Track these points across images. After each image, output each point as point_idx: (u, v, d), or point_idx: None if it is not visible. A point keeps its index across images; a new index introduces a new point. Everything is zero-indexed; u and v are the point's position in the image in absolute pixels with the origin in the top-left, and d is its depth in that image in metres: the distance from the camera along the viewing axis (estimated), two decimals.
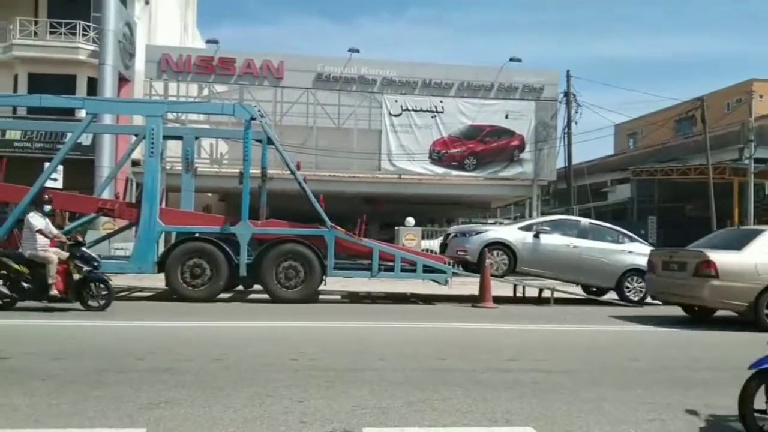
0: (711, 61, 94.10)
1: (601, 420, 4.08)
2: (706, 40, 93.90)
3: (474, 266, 12.19)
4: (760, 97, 32.58)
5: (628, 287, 12.30)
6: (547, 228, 12.35)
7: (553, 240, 12.20)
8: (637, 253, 12.32)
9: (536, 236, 12.15)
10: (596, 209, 28.13)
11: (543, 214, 26.57)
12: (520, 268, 12.27)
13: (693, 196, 27.19)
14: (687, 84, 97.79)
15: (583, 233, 12.58)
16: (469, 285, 12.91)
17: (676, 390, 4.98)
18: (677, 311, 11.47)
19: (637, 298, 12.22)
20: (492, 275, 11.70)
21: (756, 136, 23.20)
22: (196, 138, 13.42)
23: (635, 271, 12.19)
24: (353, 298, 12.35)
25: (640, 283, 12.11)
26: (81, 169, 19.46)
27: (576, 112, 23.47)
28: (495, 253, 11.98)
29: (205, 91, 23.48)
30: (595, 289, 13.38)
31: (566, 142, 23.81)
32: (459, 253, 12.31)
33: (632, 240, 13.02)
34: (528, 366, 5.89)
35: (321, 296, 11.81)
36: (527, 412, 4.22)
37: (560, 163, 24.66)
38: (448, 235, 13.50)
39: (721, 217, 23.21)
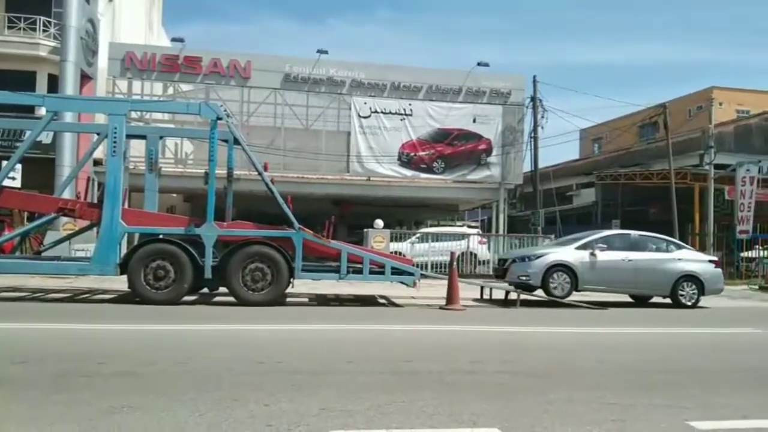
0: (674, 68, 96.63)
1: (566, 421, 4.13)
2: (670, 48, 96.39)
3: (536, 289, 12.66)
4: (720, 104, 33.60)
5: (681, 293, 12.88)
6: (603, 245, 12.76)
7: (608, 256, 12.66)
8: (686, 259, 13.13)
9: (593, 254, 12.60)
10: (561, 212, 28.58)
11: (509, 217, 26.89)
12: (581, 287, 12.60)
13: (655, 200, 27.82)
14: (651, 91, 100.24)
15: (634, 246, 13.14)
16: (437, 287, 12.98)
17: (639, 391, 5.07)
18: (644, 314, 11.73)
19: (690, 303, 12.83)
20: (555, 296, 12.21)
21: (716, 142, 23.87)
22: (161, 137, 13.14)
23: (687, 277, 12.90)
24: (321, 300, 12.29)
25: (692, 288, 12.84)
26: (41, 168, 18.97)
27: (542, 117, 23.83)
28: (556, 275, 12.39)
29: (170, 90, 23.12)
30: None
31: (532, 147, 24.15)
32: (521, 278, 12.62)
33: (679, 247, 13.75)
34: (494, 368, 5.93)
35: (288, 299, 11.71)
36: (493, 413, 4.25)
37: (527, 166, 25.02)
38: (506, 260, 13.53)
39: (682, 220, 23.79)
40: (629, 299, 13.83)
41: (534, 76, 24.04)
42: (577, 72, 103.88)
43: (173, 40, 23.56)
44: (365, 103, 23.01)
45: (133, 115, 20.08)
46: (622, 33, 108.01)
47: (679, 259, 13.06)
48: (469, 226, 31.30)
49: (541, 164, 25.02)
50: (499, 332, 8.64)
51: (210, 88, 22.37)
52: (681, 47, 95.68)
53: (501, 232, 23.44)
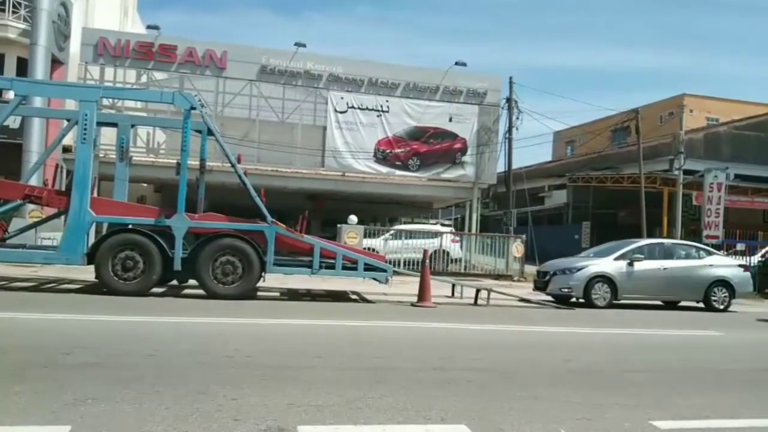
0: (647, 74, 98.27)
1: (532, 418, 4.18)
2: (643, 54, 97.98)
3: (578, 300, 13.06)
4: (691, 111, 34.27)
5: (714, 298, 13.48)
6: (639, 255, 13.29)
7: (645, 266, 13.19)
8: (717, 265, 13.85)
9: (630, 264, 13.11)
10: (533, 213, 28.87)
11: (482, 216, 27.08)
12: (621, 297, 13.03)
13: (625, 204, 28.30)
14: (624, 96, 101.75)
15: (668, 254, 13.82)
16: (409, 284, 13.02)
17: (604, 391, 5.16)
18: (612, 314, 11.93)
19: (722, 307, 13.43)
20: (596, 306, 12.55)
21: (686, 148, 24.34)
22: (132, 126, 12.95)
23: (719, 282, 13.54)
24: (292, 295, 12.23)
25: (723, 292, 13.52)
26: (8, 154, 18.54)
27: (517, 118, 23.94)
28: (597, 286, 12.85)
29: (144, 78, 22.72)
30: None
31: (507, 147, 24.30)
32: (563, 290, 13.09)
33: (710, 253, 14.35)
34: (464, 365, 5.98)
35: (259, 293, 11.63)
36: (461, 409, 4.28)
37: (500, 167, 25.19)
38: (546, 273, 13.76)
39: (651, 224, 24.23)
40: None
41: (510, 78, 24.18)
42: (552, 75, 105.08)
43: (148, 27, 23.11)
44: (342, 98, 22.91)
45: (105, 102, 19.69)
46: (597, 38, 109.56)
47: (711, 265, 13.74)
48: (443, 225, 31.44)
49: (515, 165, 25.19)
50: (470, 330, 8.71)
51: (185, 77, 22.03)
52: (654, 54, 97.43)
53: (474, 231, 23.60)
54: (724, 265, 13.94)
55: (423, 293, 11.30)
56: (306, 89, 22.82)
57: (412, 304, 11.18)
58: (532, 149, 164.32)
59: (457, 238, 21.03)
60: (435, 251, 18.78)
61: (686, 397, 5.08)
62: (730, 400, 5.11)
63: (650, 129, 30.19)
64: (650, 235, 24.02)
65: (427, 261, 11.87)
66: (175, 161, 11.75)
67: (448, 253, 19.93)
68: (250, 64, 22.28)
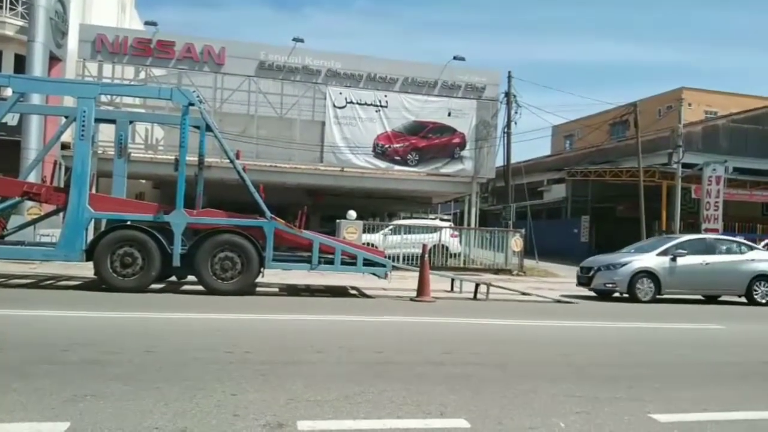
0: (646, 68, 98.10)
1: (532, 413, 4.18)
2: (642, 48, 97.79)
3: (622, 295, 13.33)
4: (689, 105, 34.23)
5: (756, 291, 13.73)
6: (682, 250, 13.59)
7: (687, 261, 13.49)
8: (759, 260, 14.03)
9: (673, 260, 13.43)
10: (532, 207, 28.89)
11: (481, 211, 27.05)
12: (664, 291, 13.27)
13: (624, 197, 28.29)
14: (622, 89, 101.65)
15: (710, 249, 14.06)
16: (408, 279, 13.03)
17: (605, 384, 5.16)
18: (612, 307, 11.95)
19: (765, 301, 13.66)
20: (640, 301, 12.86)
21: (684, 142, 24.32)
22: (131, 122, 12.94)
23: (761, 277, 13.80)
24: (292, 291, 12.23)
25: (765, 287, 13.78)
26: (6, 151, 18.50)
27: (516, 113, 23.95)
28: (641, 281, 13.18)
29: (142, 75, 22.67)
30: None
31: (506, 142, 24.29)
32: (608, 285, 13.41)
33: (751, 248, 14.54)
34: (463, 359, 5.98)
35: (258, 289, 11.63)
36: (461, 404, 4.28)
37: (499, 161, 25.19)
38: (589, 268, 14.03)
39: (649, 218, 24.24)
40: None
41: (509, 72, 24.18)
42: (551, 69, 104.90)
43: (146, 23, 23.05)
44: (341, 93, 22.87)
45: (103, 99, 19.63)
46: (596, 32, 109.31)
47: (752, 260, 13.97)
48: (442, 219, 31.45)
49: (514, 159, 25.22)
50: (469, 324, 8.71)
51: (183, 73, 21.98)
52: (653, 48, 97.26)
53: (473, 225, 23.61)
54: (766, 260, 14.08)
55: (422, 288, 11.31)
56: (304, 85, 22.78)
57: (412, 299, 11.19)
58: (531, 144, 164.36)
59: (456, 233, 21.05)
60: (434, 246, 18.79)
61: (685, 390, 5.08)
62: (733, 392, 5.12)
63: (649, 123, 30.17)
64: (649, 229, 24.06)
65: (426, 256, 11.87)
66: (173, 157, 11.74)
67: (447, 248, 19.94)
68: (248, 60, 22.25)
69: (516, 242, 19.84)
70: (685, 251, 13.56)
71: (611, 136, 38.25)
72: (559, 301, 12.33)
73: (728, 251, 14.15)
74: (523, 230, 20.81)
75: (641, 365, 6.23)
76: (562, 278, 19.32)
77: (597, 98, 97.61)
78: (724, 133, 29.73)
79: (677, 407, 4.51)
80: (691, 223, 24.37)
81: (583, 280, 14.11)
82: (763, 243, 21.25)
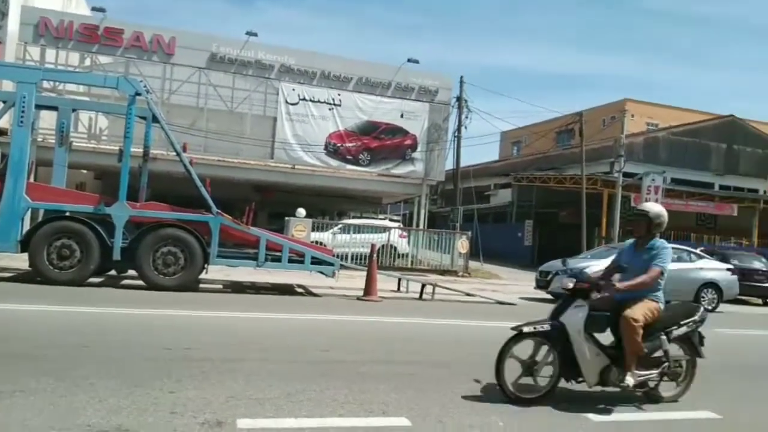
0: (593, 78, 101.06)
1: (472, 411, 4.26)
2: (590, 58, 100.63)
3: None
4: (632, 116, 35.45)
5: (703, 298, 14.20)
6: None
7: None
8: (707, 268, 14.65)
9: None
10: (479, 211, 29.35)
11: (430, 212, 27.35)
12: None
13: (567, 204, 29.07)
14: (569, 98, 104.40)
15: None
16: (356, 278, 13.03)
17: None
18: (547, 310, 12.21)
19: (711, 308, 13.92)
20: None
21: (626, 152, 25.17)
22: (74, 110, 12.47)
23: (709, 285, 14.39)
24: (236, 288, 12.05)
25: (712, 294, 14.36)
26: None
27: (466, 117, 24.29)
28: None
29: (87, 62, 21.86)
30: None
31: (455, 145, 24.61)
32: (563, 289, 13.03)
33: (700, 257, 15.04)
34: (407, 358, 6.04)
35: (201, 285, 11.41)
36: (403, 403, 4.32)
37: (449, 164, 25.48)
38: (548, 272, 14.22)
39: (590, 224, 24.98)
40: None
41: (461, 77, 24.48)
42: (501, 75, 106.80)
43: (94, 9, 22.24)
44: (293, 90, 22.63)
45: (45, 84, 18.82)
46: (545, 40, 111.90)
47: (701, 268, 14.58)
48: (391, 220, 31.59)
49: (463, 163, 25.56)
50: (414, 324, 8.79)
51: (130, 62, 21.31)
52: (599, 59, 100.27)
53: (421, 226, 23.79)
54: (713, 269, 14.74)
55: (369, 287, 11.34)
56: (256, 79, 22.44)
57: (359, 298, 11.21)
58: (480, 148, 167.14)
59: (405, 234, 21.17)
60: (383, 246, 18.84)
61: (618, 391, 5.27)
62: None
63: (593, 132, 31.08)
64: (589, 235, 24.80)
65: (375, 255, 11.90)
66: (117, 148, 11.39)
67: (395, 248, 20.03)
68: (199, 52, 21.75)
69: (462, 244, 20.11)
70: None
71: (557, 143, 39.25)
72: (500, 303, 12.56)
73: (679, 259, 14.56)
74: (469, 233, 21.10)
75: None
76: (505, 280, 19.72)
77: (545, 106, 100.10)
78: (664, 145, 30.95)
79: (610, 407, 4.68)
80: (630, 231, 25.18)
81: (542, 284, 14.46)
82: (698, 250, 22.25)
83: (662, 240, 5.09)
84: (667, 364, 4.78)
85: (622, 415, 4.50)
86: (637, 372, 4.59)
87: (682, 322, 4.93)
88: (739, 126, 32.71)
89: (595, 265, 13.70)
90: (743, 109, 77.02)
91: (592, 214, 25.01)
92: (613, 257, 14.00)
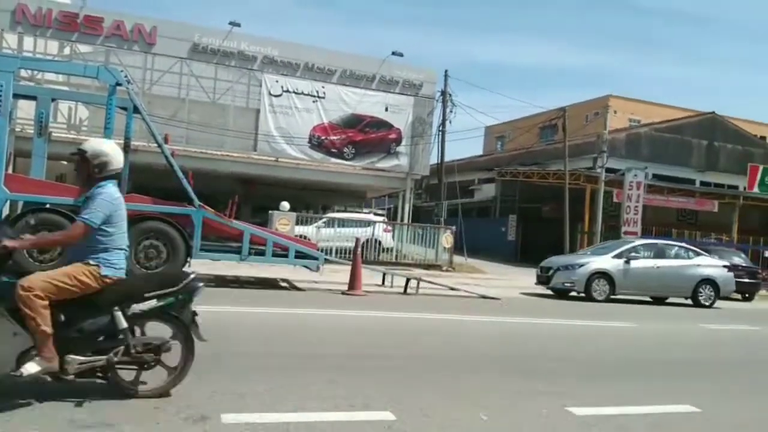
0: (576, 74, 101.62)
1: (455, 405, 4.27)
2: (573, 54, 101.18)
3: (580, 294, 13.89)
4: (615, 112, 35.72)
5: (701, 294, 14.53)
6: (635, 254, 14.37)
7: (641, 264, 14.23)
8: (705, 265, 14.92)
9: (627, 262, 14.09)
10: (463, 205, 29.45)
11: (414, 207, 27.38)
12: (618, 292, 13.88)
13: (550, 199, 29.25)
14: (553, 93, 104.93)
15: (660, 253, 14.80)
16: (340, 272, 13.00)
17: (524, 378, 5.33)
18: (541, 304, 12.34)
19: (708, 304, 14.46)
20: (595, 300, 13.41)
21: (609, 147, 25.37)
22: (53, 100, 12.25)
23: (706, 281, 14.62)
24: (219, 282, 11.97)
25: (710, 290, 14.58)
26: None
27: (451, 111, 24.33)
28: (597, 281, 13.80)
29: (67, 50, 21.51)
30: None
31: (440, 140, 24.64)
32: (566, 284, 13.94)
33: (697, 254, 15.28)
34: (391, 353, 6.04)
35: None
36: (387, 396, 4.32)
37: (433, 159, 25.50)
38: (549, 268, 14.58)
39: (573, 219, 25.17)
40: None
41: (446, 71, 24.50)
42: (486, 70, 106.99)
43: None
44: (277, 81, 22.46)
45: (23, 73, 18.50)
46: (531, 37, 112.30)
47: (698, 265, 14.80)
48: (376, 214, 31.57)
49: (447, 158, 25.59)
50: (398, 318, 8.80)
51: (111, 51, 21.00)
52: (583, 54, 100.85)
53: (406, 221, 23.81)
54: (710, 266, 15.03)
55: (354, 282, 11.33)
56: (239, 70, 22.25)
57: (343, 293, 11.19)
58: (464, 143, 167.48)
59: (389, 228, 21.18)
60: (367, 240, 18.84)
61: (600, 385, 5.33)
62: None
63: (576, 128, 31.32)
64: (572, 230, 24.99)
65: (359, 249, 11.90)
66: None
67: (380, 243, 20.04)
68: (181, 42, 21.51)
69: (447, 239, 20.17)
70: (639, 255, 14.40)
71: (540, 139, 39.44)
72: (484, 297, 12.62)
73: (677, 256, 15.01)
74: (453, 227, 21.17)
75: (560, 359, 6.48)
76: (489, 275, 19.83)
77: (529, 101, 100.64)
78: (646, 141, 31.24)
79: (593, 401, 4.72)
80: (612, 226, 25.46)
81: (543, 279, 14.70)
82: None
83: (110, 187, 3.96)
84: (123, 347, 3.72)
85: (601, 408, 4.54)
86: (74, 358, 3.58)
87: (148, 294, 3.86)
88: (720, 123, 33.12)
89: (596, 261, 14.18)
90: (724, 105, 78.16)
91: (574, 209, 25.20)
92: (613, 253, 14.16)
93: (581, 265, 14.01)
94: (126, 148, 10.99)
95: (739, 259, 18.61)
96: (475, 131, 76.75)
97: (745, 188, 28.96)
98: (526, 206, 31.57)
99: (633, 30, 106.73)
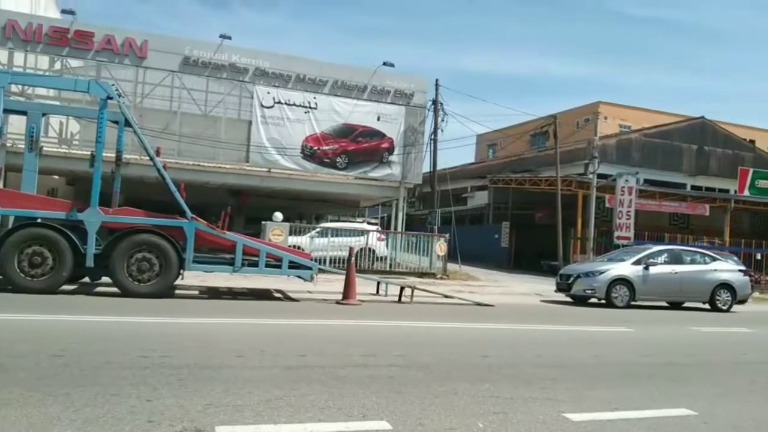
0: (566, 82, 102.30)
1: (452, 413, 4.26)
2: (563, 63, 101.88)
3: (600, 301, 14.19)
4: (605, 118, 36.00)
5: (718, 299, 14.89)
6: (654, 260, 14.67)
7: (658, 270, 14.56)
8: (722, 270, 15.27)
9: (646, 269, 14.42)
10: (456, 213, 29.51)
11: (408, 215, 27.41)
12: (638, 298, 14.13)
13: (542, 205, 29.36)
14: (544, 101, 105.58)
15: (677, 259, 15.09)
16: (334, 282, 12.98)
17: (520, 385, 5.33)
18: (531, 310, 12.34)
19: (725, 308, 14.84)
20: (616, 306, 13.64)
21: (600, 153, 25.51)
22: (44, 114, 12.24)
23: (723, 286, 14.97)
24: (213, 293, 11.92)
25: (727, 295, 14.93)
26: None
27: (442, 120, 24.39)
28: (617, 288, 14.11)
29: (57, 65, 21.47)
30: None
31: (432, 148, 24.69)
32: (587, 291, 14.19)
33: (714, 259, 15.61)
34: (386, 361, 6.02)
35: (177, 291, 11.27)
36: (383, 406, 4.31)
37: (426, 167, 25.55)
38: (569, 275, 14.85)
39: (566, 225, 25.25)
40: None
41: (437, 80, 24.57)
42: (477, 79, 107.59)
43: (63, 11, 21.86)
44: (268, 93, 22.47)
45: (14, 89, 18.46)
46: (520, 45, 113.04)
47: (715, 270, 15.15)
48: (369, 223, 31.58)
49: (440, 166, 25.63)
50: (393, 327, 8.78)
51: (102, 65, 20.99)
52: (574, 62, 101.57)
53: (399, 229, 23.80)
54: (727, 270, 15.38)
55: (348, 291, 11.30)
56: (231, 82, 22.25)
57: (337, 302, 11.16)
58: (456, 151, 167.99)
59: (383, 237, 21.18)
60: (361, 249, 18.83)
61: (597, 390, 5.32)
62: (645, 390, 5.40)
63: (567, 134, 31.45)
64: (565, 235, 25.06)
65: (353, 259, 11.88)
66: (89, 153, 11.20)
67: (373, 252, 20.03)
68: (172, 55, 21.50)
69: (440, 247, 20.18)
70: (657, 261, 14.67)
71: (532, 146, 39.62)
72: (478, 304, 12.62)
73: (694, 261, 15.30)
74: (447, 235, 21.19)
75: (555, 366, 6.47)
76: (483, 282, 19.83)
77: (520, 109, 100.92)
78: (636, 146, 31.44)
79: (589, 406, 4.72)
80: (605, 231, 25.56)
81: (563, 287, 14.94)
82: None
83: None
84: None
85: (598, 414, 4.53)
86: None
87: None
88: (710, 127, 33.37)
89: (616, 268, 14.46)
90: (714, 110, 78.74)
91: (567, 215, 25.28)
92: (632, 259, 14.21)
93: (602, 272, 14.30)
94: (118, 161, 10.99)
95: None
96: (467, 139, 77.04)
97: (735, 192, 29.15)
98: (519, 213, 31.66)
99: (622, 38, 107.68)
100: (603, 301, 14.07)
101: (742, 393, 5.74)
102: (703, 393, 5.51)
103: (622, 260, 14.90)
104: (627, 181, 23.86)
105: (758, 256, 27.19)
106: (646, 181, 28.39)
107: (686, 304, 15.34)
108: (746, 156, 33.21)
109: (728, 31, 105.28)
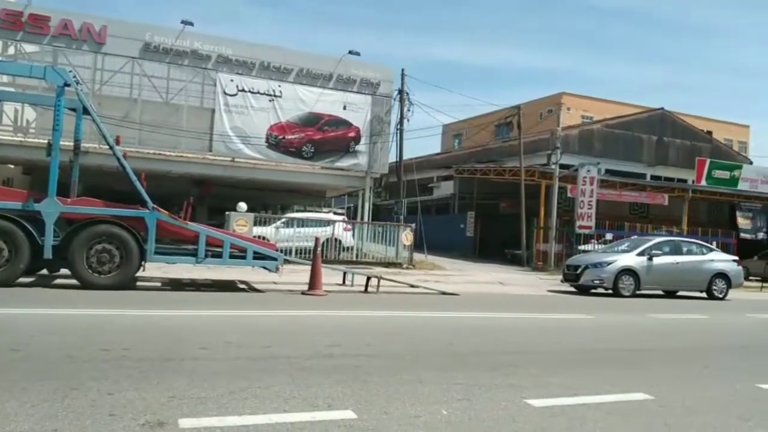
0: (530, 73, 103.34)
1: (416, 401, 4.30)
2: (527, 53, 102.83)
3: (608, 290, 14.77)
4: (568, 109, 36.55)
5: (715, 288, 15.66)
6: (657, 251, 15.34)
7: (662, 260, 15.26)
8: (718, 260, 16.12)
9: (650, 259, 15.05)
10: (422, 203, 29.68)
11: (374, 205, 27.44)
12: (643, 287, 14.93)
13: (506, 195, 29.73)
14: (508, 92, 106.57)
15: (678, 250, 15.85)
16: (300, 272, 12.94)
17: (484, 372, 5.40)
18: (489, 299, 12.50)
19: (721, 296, 15.63)
20: (623, 296, 14.14)
21: (562, 144, 25.93)
22: None
23: (719, 275, 15.75)
24: (175, 285, 11.76)
25: (722, 284, 15.73)
26: None
27: (408, 110, 24.41)
28: (624, 278, 14.73)
29: (11, 50, 20.76)
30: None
31: (398, 138, 24.73)
32: (595, 281, 14.64)
33: (710, 250, 16.51)
34: (352, 351, 6.03)
35: (139, 283, 11.09)
36: (348, 395, 4.32)
37: (392, 157, 25.58)
38: (577, 266, 15.39)
39: (529, 214, 25.62)
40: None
41: (402, 70, 24.57)
42: (442, 69, 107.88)
43: None
44: (232, 81, 22.13)
45: None
46: (487, 36, 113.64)
47: (712, 260, 15.97)
48: (335, 213, 31.48)
49: (406, 156, 25.72)
50: (359, 316, 8.80)
51: (59, 51, 20.37)
52: (537, 53, 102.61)
53: (365, 219, 23.82)
54: (722, 260, 16.21)
55: (314, 281, 11.28)
56: (193, 70, 21.83)
57: (303, 293, 11.13)
58: (422, 141, 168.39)
59: (349, 227, 21.15)
60: (327, 239, 18.79)
61: (558, 376, 5.43)
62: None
63: (531, 125, 31.86)
64: (528, 225, 25.44)
65: (319, 249, 11.85)
66: (46, 141, 10.89)
67: (340, 242, 20.00)
68: (132, 41, 20.99)
69: (407, 236, 20.27)
70: (660, 252, 15.31)
71: (497, 136, 40.00)
72: (444, 293, 12.74)
73: (691, 252, 16.01)
74: (413, 225, 21.29)
75: (519, 352, 6.59)
76: (449, 271, 20.01)
77: (485, 99, 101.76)
78: (598, 137, 32.05)
79: (550, 392, 4.82)
80: (567, 221, 26.01)
81: (571, 277, 15.46)
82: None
83: None
84: None
85: (559, 399, 4.63)
86: None
87: None
88: (669, 119, 34.20)
89: (622, 259, 15.01)
90: (675, 102, 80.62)
91: (530, 204, 25.66)
92: (637, 251, 14.70)
93: (609, 263, 14.86)
94: (76, 150, 10.73)
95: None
96: (433, 129, 77.33)
97: (693, 182, 29.97)
98: (484, 203, 32.00)
99: (586, 29, 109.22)
100: (610, 291, 14.65)
101: (696, 377, 5.93)
102: (661, 378, 5.67)
103: (627, 251, 15.49)
104: (588, 171, 24.31)
105: (714, 245, 28.03)
106: (607, 171, 28.98)
107: (679, 293, 16.05)
108: (704, 147, 34.17)
109: (689, 24, 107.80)
